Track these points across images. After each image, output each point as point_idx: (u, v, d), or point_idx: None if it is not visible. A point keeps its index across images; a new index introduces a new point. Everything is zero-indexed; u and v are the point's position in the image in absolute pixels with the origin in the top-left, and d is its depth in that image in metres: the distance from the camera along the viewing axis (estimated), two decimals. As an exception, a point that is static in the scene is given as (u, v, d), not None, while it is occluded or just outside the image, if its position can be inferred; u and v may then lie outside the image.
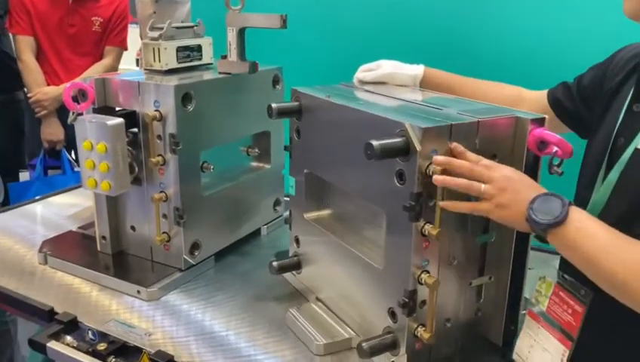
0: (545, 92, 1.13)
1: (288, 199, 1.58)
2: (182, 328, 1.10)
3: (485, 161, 0.84)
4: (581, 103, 1.04)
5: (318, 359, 1.02)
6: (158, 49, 1.27)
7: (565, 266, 0.90)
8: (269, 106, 1.11)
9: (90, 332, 1.07)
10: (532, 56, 1.57)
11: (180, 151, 1.19)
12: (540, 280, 0.91)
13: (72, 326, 1.09)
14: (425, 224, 0.87)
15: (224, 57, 1.28)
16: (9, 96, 2.48)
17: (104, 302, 1.18)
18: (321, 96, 1.09)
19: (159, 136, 1.19)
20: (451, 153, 0.85)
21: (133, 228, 1.30)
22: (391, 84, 1.23)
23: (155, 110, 1.18)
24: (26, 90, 2.48)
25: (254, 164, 1.51)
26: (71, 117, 1.21)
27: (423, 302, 0.91)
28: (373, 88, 1.19)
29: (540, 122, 0.90)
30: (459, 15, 1.67)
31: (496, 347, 1.01)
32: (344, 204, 1.16)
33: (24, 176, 2.54)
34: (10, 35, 2.44)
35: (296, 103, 1.14)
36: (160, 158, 1.20)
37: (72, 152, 2.44)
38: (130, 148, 1.22)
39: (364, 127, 0.96)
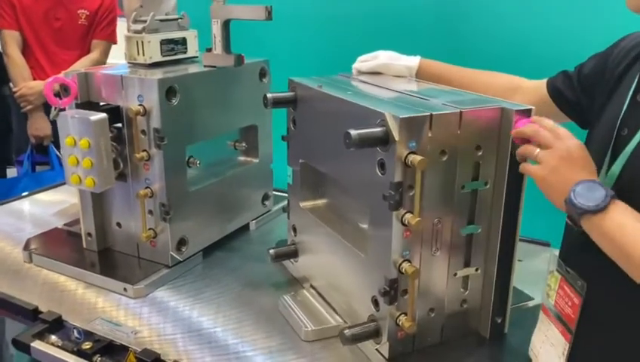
0: (544, 81, 1.10)
1: (278, 193, 1.59)
2: (169, 325, 1.09)
3: (559, 130, 0.83)
4: (582, 93, 1.02)
5: (306, 345, 1.02)
6: (142, 42, 1.25)
7: (565, 258, 0.90)
8: (265, 96, 1.13)
9: (75, 331, 1.06)
10: (531, 45, 1.56)
11: (165, 146, 1.17)
12: (550, 274, 0.90)
13: (56, 325, 1.08)
14: (405, 213, 0.87)
15: (209, 50, 1.26)
16: (-5, 91, 2.45)
17: (90, 300, 1.17)
18: (313, 85, 1.09)
19: (143, 131, 1.18)
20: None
21: (119, 224, 1.29)
22: (387, 74, 1.23)
23: (139, 104, 1.16)
24: (11, 85, 2.45)
25: (242, 158, 1.50)
26: (53, 112, 1.19)
27: (405, 291, 0.92)
28: (369, 79, 1.19)
29: (526, 113, 0.89)
30: (457, 3, 1.66)
31: (484, 339, 1.01)
32: (338, 193, 1.17)
33: (11, 172, 2.52)
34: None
35: (291, 93, 1.15)
36: (145, 154, 1.18)
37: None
38: (114, 144, 1.20)
39: (351, 116, 0.96)
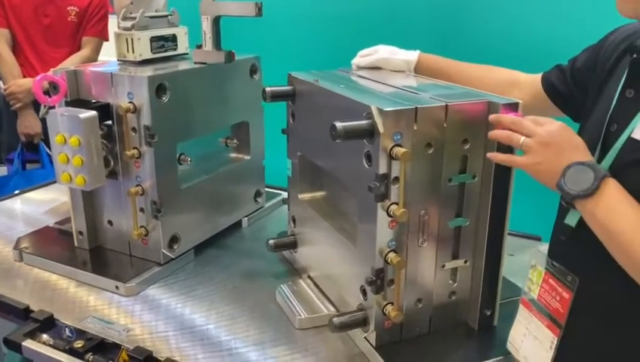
0: (539, 75, 1.11)
1: (270, 190, 1.59)
2: (161, 323, 1.09)
3: (540, 118, 0.83)
4: (574, 87, 1.03)
5: (299, 337, 1.04)
6: (131, 39, 1.24)
7: (554, 252, 0.90)
8: (263, 90, 1.14)
9: (67, 330, 1.05)
10: (529, 38, 1.56)
11: (156, 143, 1.17)
12: (532, 268, 0.90)
13: (48, 323, 1.07)
14: (391, 204, 0.88)
15: (199, 47, 1.26)
16: (-17, 90, 2.43)
17: (82, 298, 1.17)
18: (310, 80, 1.11)
19: (134, 129, 1.17)
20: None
21: (110, 222, 1.29)
22: (386, 69, 1.24)
23: (129, 102, 1.16)
24: (1, 82, 2.43)
25: (233, 155, 1.50)
26: (43, 110, 1.19)
27: (392, 281, 0.93)
28: (366, 73, 1.20)
29: (513, 107, 0.90)
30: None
31: (473, 331, 1.02)
32: (333, 185, 1.18)
33: (2, 170, 2.50)
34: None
35: (290, 87, 1.17)
36: (135, 151, 1.18)
37: (51, 146, 2.40)
38: (104, 142, 1.20)
39: (342, 110, 0.97)
